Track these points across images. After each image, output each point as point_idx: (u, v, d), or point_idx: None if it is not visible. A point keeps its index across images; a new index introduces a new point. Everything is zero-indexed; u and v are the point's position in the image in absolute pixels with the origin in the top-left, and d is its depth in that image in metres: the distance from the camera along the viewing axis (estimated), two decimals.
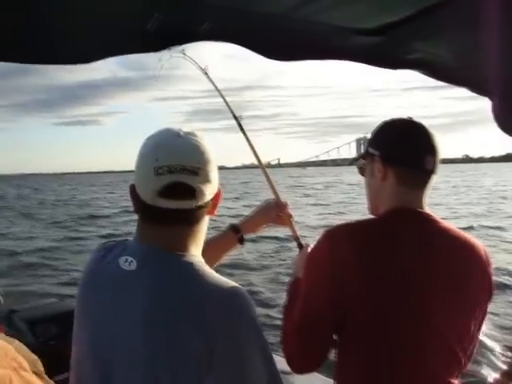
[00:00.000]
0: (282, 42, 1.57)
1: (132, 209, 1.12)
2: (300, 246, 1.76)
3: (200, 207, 1.10)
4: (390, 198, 1.38)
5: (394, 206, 1.36)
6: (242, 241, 1.72)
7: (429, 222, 1.34)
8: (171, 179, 1.03)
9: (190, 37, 1.44)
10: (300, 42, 1.57)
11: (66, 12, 1.27)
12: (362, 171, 1.52)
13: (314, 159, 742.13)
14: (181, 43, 1.46)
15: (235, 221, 1.76)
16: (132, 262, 1.06)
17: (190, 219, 1.10)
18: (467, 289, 1.31)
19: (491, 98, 1.83)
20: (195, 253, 1.12)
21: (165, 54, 1.60)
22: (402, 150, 1.37)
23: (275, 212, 1.79)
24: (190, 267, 1.06)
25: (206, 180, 1.08)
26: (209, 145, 1.11)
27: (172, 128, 1.12)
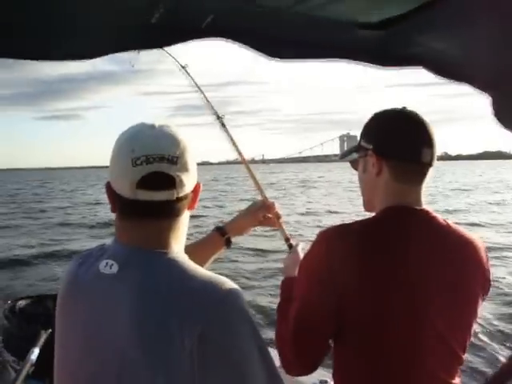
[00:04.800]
0: (284, 41, 1.53)
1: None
2: (290, 246, 1.73)
3: (180, 199, 1.06)
4: (386, 195, 1.31)
5: (390, 203, 1.30)
6: (229, 244, 1.67)
7: (427, 220, 1.28)
8: (149, 169, 1.00)
9: (191, 34, 1.42)
10: (302, 39, 1.52)
11: (67, 8, 1.27)
12: (354, 165, 1.44)
13: (297, 155, 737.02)
14: (183, 40, 1.42)
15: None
16: (113, 265, 1.03)
17: (171, 212, 1.06)
18: (467, 287, 1.28)
19: (491, 94, 1.80)
20: (177, 249, 1.08)
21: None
22: (396, 142, 1.29)
23: (262, 213, 1.74)
24: (175, 265, 1.02)
25: (185, 169, 1.04)
26: (185, 136, 1.07)
27: (145, 122, 1.09)
